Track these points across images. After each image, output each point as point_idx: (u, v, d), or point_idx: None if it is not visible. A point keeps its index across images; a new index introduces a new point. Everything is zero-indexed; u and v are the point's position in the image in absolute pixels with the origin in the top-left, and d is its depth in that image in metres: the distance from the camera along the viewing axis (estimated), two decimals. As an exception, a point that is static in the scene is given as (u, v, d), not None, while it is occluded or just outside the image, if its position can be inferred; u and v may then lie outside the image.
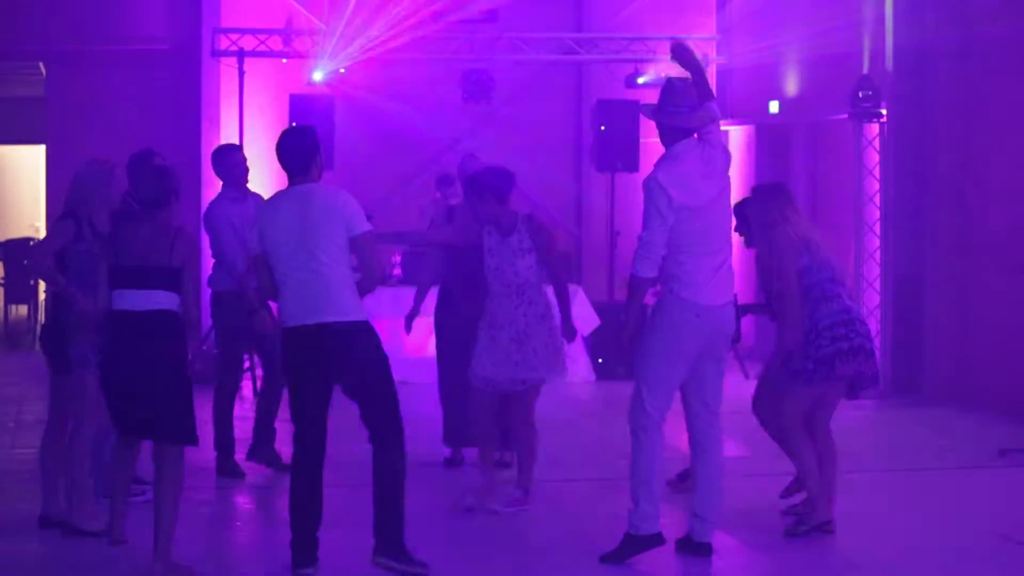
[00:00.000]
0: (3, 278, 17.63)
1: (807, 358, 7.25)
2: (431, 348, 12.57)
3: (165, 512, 6.39)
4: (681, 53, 6.82)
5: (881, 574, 6.88)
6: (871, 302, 12.58)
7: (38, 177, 16.93)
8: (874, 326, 12.06)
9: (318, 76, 14.58)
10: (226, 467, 8.78)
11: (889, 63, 12.49)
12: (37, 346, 15.80)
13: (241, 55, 14.40)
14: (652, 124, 6.95)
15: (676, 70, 7.09)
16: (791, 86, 14.63)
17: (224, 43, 14.72)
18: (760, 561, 7.07)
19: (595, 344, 13.50)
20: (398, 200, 14.94)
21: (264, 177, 12.32)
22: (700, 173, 6.69)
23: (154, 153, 8.31)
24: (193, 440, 6.48)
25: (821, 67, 13.86)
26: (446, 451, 9.20)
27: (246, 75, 14.33)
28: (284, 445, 9.02)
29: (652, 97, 7.46)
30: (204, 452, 9.53)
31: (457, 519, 7.76)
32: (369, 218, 6.67)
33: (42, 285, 16.83)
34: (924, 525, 7.68)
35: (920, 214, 12.33)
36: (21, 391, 12.59)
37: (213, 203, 8.94)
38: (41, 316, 16.60)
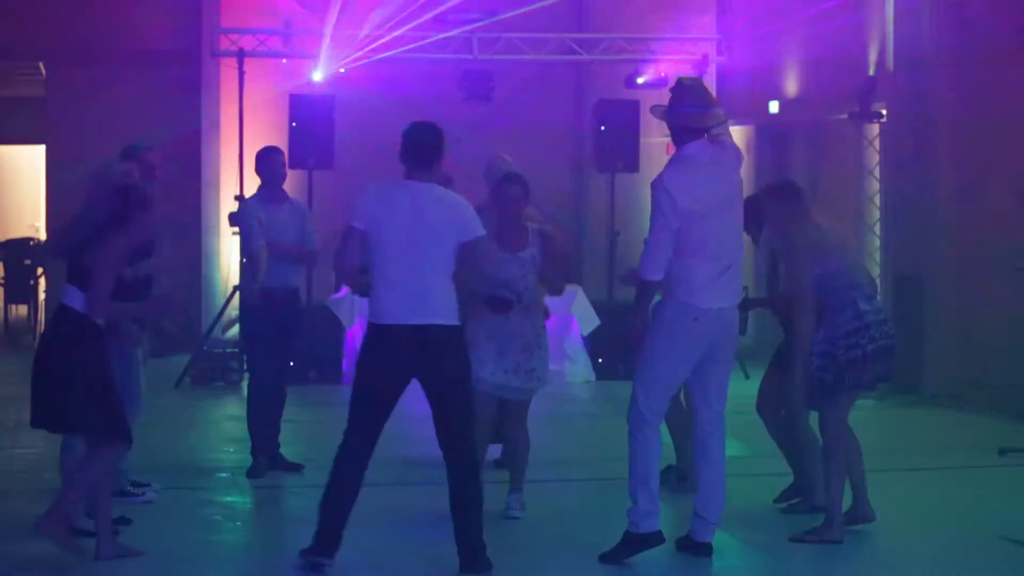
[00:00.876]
0: (3, 278, 17.63)
1: (831, 370, 7.18)
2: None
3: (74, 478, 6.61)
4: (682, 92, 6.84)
5: (881, 574, 6.87)
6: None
7: (38, 177, 16.94)
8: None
9: (318, 76, 14.58)
10: (256, 469, 8.74)
11: (890, 64, 12.49)
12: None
13: (241, 55, 14.40)
14: (653, 124, 6.96)
15: (676, 70, 7.09)
16: (791, 86, 14.63)
17: (224, 43, 14.72)
18: (760, 561, 7.07)
19: (595, 344, 13.50)
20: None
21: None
22: (708, 176, 6.68)
23: (143, 148, 8.27)
24: (97, 433, 6.57)
25: (821, 67, 13.87)
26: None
27: (246, 75, 14.33)
28: (289, 446, 9.05)
29: (652, 97, 7.47)
30: (207, 452, 9.56)
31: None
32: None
33: (42, 285, 16.86)
34: (924, 525, 7.68)
35: (920, 214, 12.33)
36: (21, 391, 12.56)
37: (246, 199, 9.08)
38: (41, 316, 16.61)
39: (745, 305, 7.06)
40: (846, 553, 7.06)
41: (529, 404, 7.83)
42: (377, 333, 6.45)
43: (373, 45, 14.44)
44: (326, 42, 14.51)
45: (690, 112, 6.73)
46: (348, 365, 13.13)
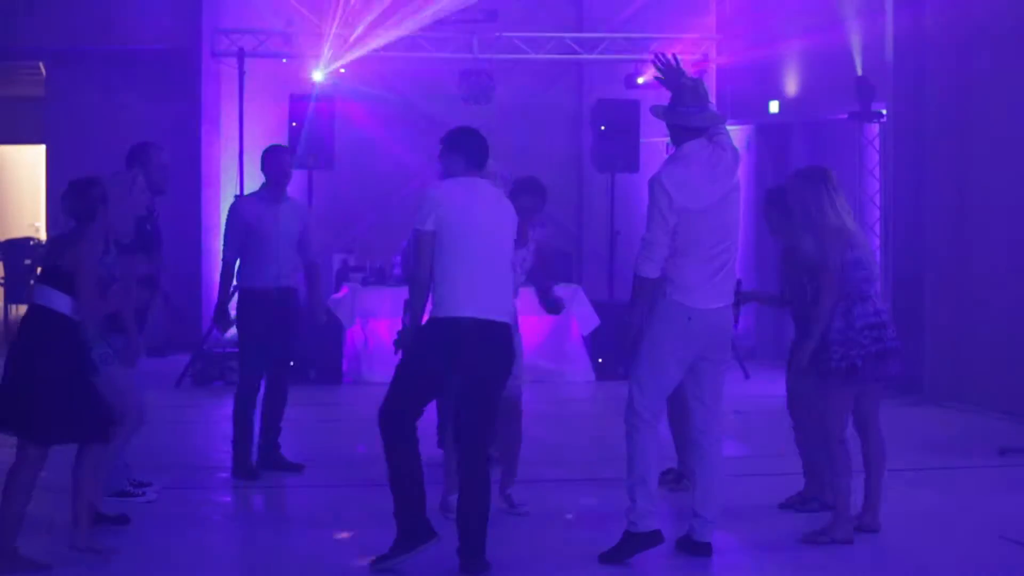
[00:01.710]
0: (3, 278, 17.64)
1: (846, 357, 7.13)
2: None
3: (81, 496, 6.57)
4: (665, 70, 6.83)
5: (881, 574, 6.88)
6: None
7: (38, 177, 16.95)
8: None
9: (318, 76, 14.59)
10: (242, 468, 8.76)
11: (889, 63, 12.49)
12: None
13: (241, 55, 14.40)
14: (652, 124, 6.98)
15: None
16: (791, 86, 14.64)
17: (224, 43, 14.73)
18: (760, 561, 7.06)
19: (595, 344, 13.50)
20: (398, 200, 14.94)
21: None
22: (705, 175, 6.69)
23: (154, 146, 8.28)
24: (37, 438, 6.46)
25: (821, 67, 13.87)
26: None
27: (246, 75, 14.33)
28: (289, 446, 9.04)
29: (652, 97, 7.47)
30: (207, 452, 9.56)
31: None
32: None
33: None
34: (924, 525, 7.68)
35: (920, 214, 12.34)
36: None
37: (240, 199, 9.08)
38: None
39: (738, 298, 7.02)
40: (846, 553, 7.06)
41: (518, 400, 7.82)
42: (441, 325, 6.40)
43: (373, 45, 14.45)
44: (326, 42, 14.51)
45: (689, 112, 6.74)
46: (348, 365, 13.13)
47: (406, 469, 6.41)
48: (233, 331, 9.21)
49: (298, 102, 14.09)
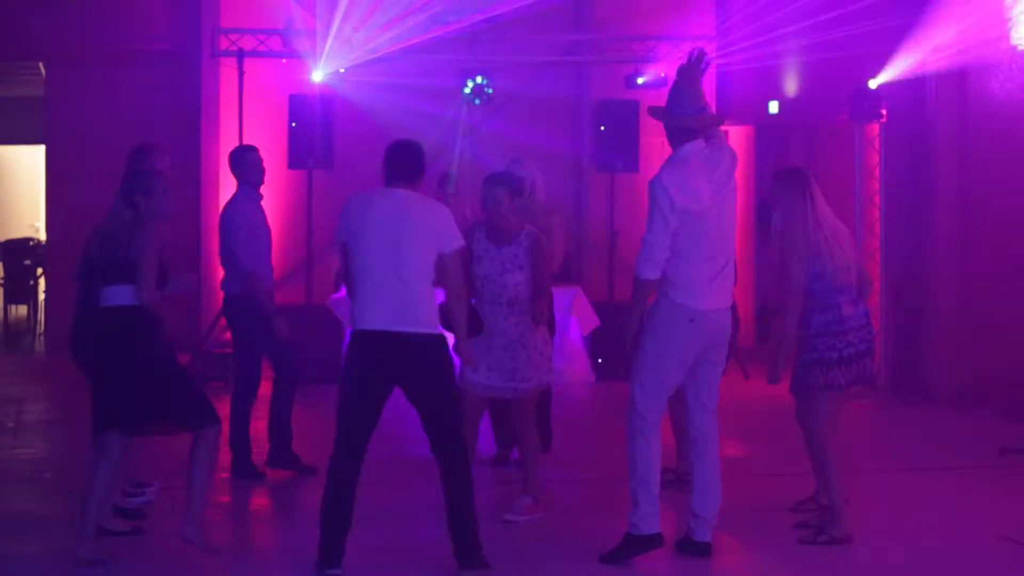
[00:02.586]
0: (3, 278, 17.63)
1: (804, 363, 7.22)
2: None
3: (195, 482, 6.61)
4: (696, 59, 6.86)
5: (881, 574, 6.88)
6: (871, 302, 12.57)
7: (38, 177, 16.95)
8: (874, 325, 12.06)
9: (318, 76, 14.59)
10: (244, 468, 8.75)
11: (889, 63, 12.50)
12: (38, 346, 15.91)
13: (241, 55, 14.40)
14: (652, 124, 6.98)
15: (676, 70, 7.11)
16: (791, 86, 14.63)
17: (224, 43, 14.72)
18: (760, 561, 7.07)
19: (595, 344, 13.50)
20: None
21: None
22: (704, 176, 6.70)
23: (154, 148, 8.27)
24: (192, 423, 6.58)
25: (821, 68, 13.87)
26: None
27: (246, 75, 14.33)
28: (300, 445, 9.04)
29: (652, 97, 7.47)
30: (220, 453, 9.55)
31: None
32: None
33: (42, 285, 16.87)
34: (924, 525, 7.68)
35: (920, 214, 12.34)
36: (21, 391, 12.60)
37: (231, 204, 8.92)
38: (41, 316, 16.61)
39: (764, 313, 7.11)
40: (845, 553, 7.07)
41: (530, 405, 7.80)
42: (359, 338, 6.48)
43: (373, 45, 14.44)
44: (326, 42, 14.51)
45: (687, 113, 6.75)
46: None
47: (341, 502, 6.46)
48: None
49: (298, 102, 14.08)
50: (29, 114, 18.27)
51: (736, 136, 15.57)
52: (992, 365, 11.51)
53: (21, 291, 17.30)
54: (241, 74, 14.29)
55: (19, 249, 17.59)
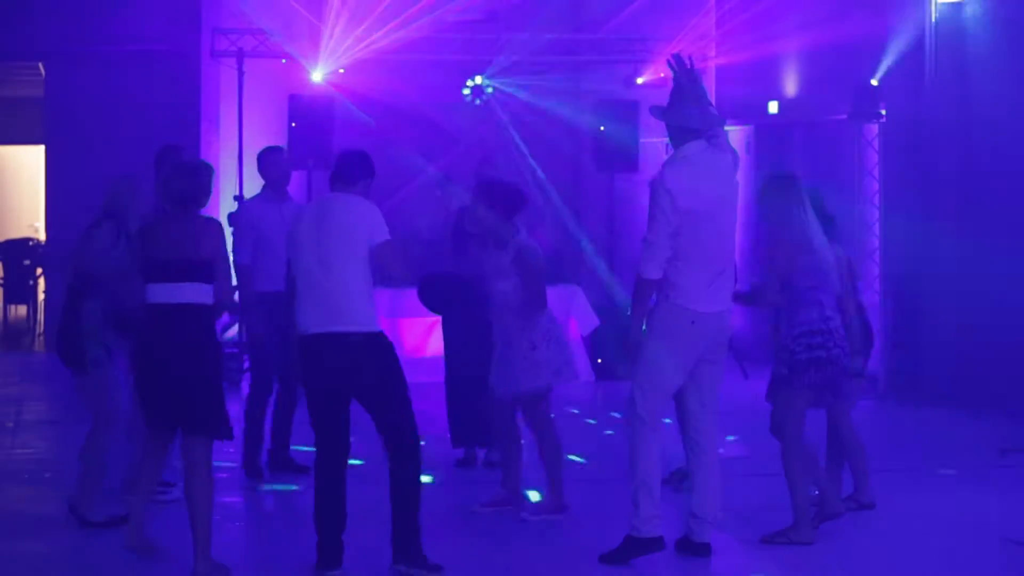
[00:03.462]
0: (3, 278, 17.64)
1: (787, 365, 7.19)
2: (431, 348, 12.54)
3: (200, 512, 6.49)
4: (679, 66, 6.82)
5: (881, 574, 6.88)
6: (871, 302, 12.58)
7: (38, 177, 16.94)
8: (874, 325, 12.06)
9: (318, 76, 14.59)
10: (252, 468, 8.76)
11: (889, 63, 12.50)
12: (38, 346, 15.91)
13: (240, 55, 14.40)
14: (652, 124, 6.98)
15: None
16: (791, 86, 14.64)
17: (223, 43, 14.72)
18: (760, 561, 7.06)
19: (595, 344, 13.50)
20: (397, 200, 14.93)
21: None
22: (707, 176, 6.69)
23: (179, 148, 8.35)
24: (225, 434, 6.55)
25: (821, 67, 13.87)
26: (458, 452, 9.21)
27: (245, 75, 14.33)
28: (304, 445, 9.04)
29: (652, 97, 7.46)
30: (221, 453, 9.55)
31: (458, 520, 7.76)
32: None
33: (41, 285, 16.87)
34: (924, 525, 7.68)
35: (920, 214, 12.34)
36: (21, 391, 12.61)
37: (245, 202, 9.04)
38: (41, 316, 16.61)
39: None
40: (845, 553, 7.07)
41: (535, 403, 7.82)
42: (302, 344, 6.53)
43: (372, 45, 14.44)
44: (326, 42, 14.50)
45: (690, 113, 6.74)
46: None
47: (331, 505, 6.49)
48: (234, 331, 9.22)
49: (298, 102, 14.08)
50: (29, 114, 18.27)
51: (736, 136, 15.56)
52: (992, 365, 11.51)
53: (21, 291, 17.30)
54: (241, 74, 14.29)
55: (19, 249, 17.59)
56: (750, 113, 15.30)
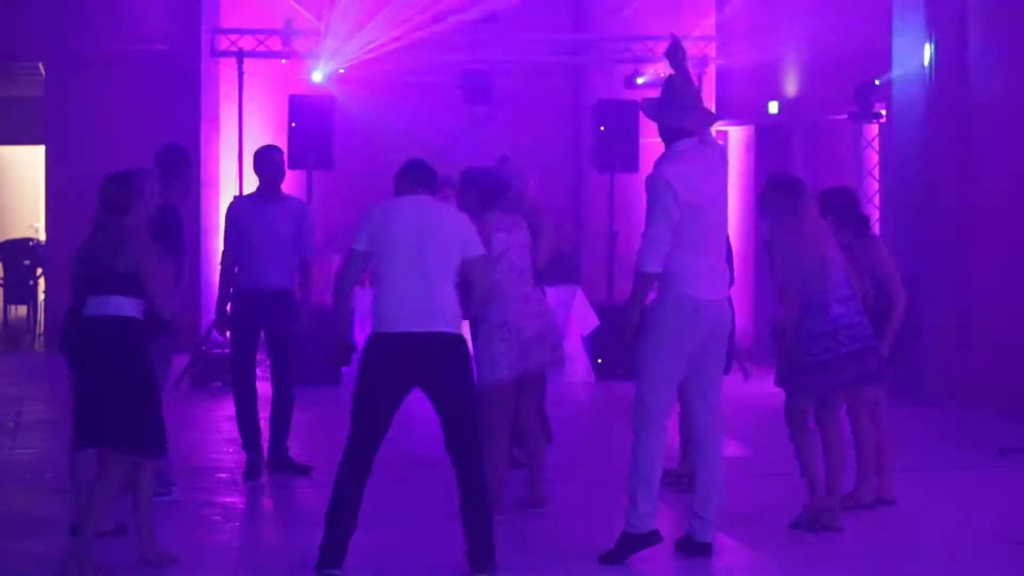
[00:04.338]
0: (3, 278, 17.64)
1: (802, 365, 7.31)
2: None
3: (141, 511, 6.51)
4: (675, 53, 6.83)
5: (881, 574, 6.88)
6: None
7: (38, 177, 16.94)
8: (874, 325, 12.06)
9: (318, 76, 14.59)
10: (252, 468, 8.76)
11: (889, 63, 12.49)
12: (38, 346, 15.91)
13: (240, 55, 14.40)
14: (652, 124, 6.98)
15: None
16: (791, 86, 14.63)
17: (223, 43, 14.72)
18: (760, 561, 7.06)
19: (595, 344, 13.49)
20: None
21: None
22: (701, 170, 6.74)
23: (182, 148, 8.36)
24: (143, 451, 6.43)
25: (821, 67, 13.87)
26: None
27: (245, 75, 14.33)
28: (292, 447, 9.03)
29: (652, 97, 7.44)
30: (207, 452, 9.56)
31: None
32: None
33: (41, 285, 16.87)
34: (924, 525, 7.68)
35: (920, 214, 12.33)
36: (21, 391, 12.60)
37: (235, 199, 9.09)
38: (41, 316, 16.61)
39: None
40: (845, 553, 7.07)
41: (534, 397, 7.88)
42: (384, 342, 6.48)
43: (373, 45, 14.44)
44: (326, 42, 14.51)
45: (684, 114, 6.75)
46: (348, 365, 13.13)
47: (349, 503, 6.45)
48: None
49: (298, 102, 14.08)
50: (29, 114, 18.26)
51: (736, 136, 15.57)
52: (992, 365, 11.51)
53: (21, 291, 17.29)
54: (241, 74, 14.29)
55: (19, 249, 17.58)
56: (750, 113, 15.30)
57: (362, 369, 6.55)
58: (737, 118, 15.37)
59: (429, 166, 6.78)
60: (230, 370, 9.03)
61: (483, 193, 7.82)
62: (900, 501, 8.06)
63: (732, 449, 9.56)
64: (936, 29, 12.14)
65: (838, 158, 13.66)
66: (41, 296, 16.87)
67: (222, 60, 14.80)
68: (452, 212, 6.77)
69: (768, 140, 15.40)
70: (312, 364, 12.80)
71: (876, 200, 12.97)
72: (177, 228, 7.88)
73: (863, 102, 12.63)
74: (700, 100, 6.90)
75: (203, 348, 13.18)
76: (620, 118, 14.54)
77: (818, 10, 13.60)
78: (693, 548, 6.88)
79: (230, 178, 14.75)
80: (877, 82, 12.53)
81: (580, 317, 13.39)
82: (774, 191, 7.48)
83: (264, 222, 8.78)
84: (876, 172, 12.98)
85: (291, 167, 14.08)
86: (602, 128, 14.67)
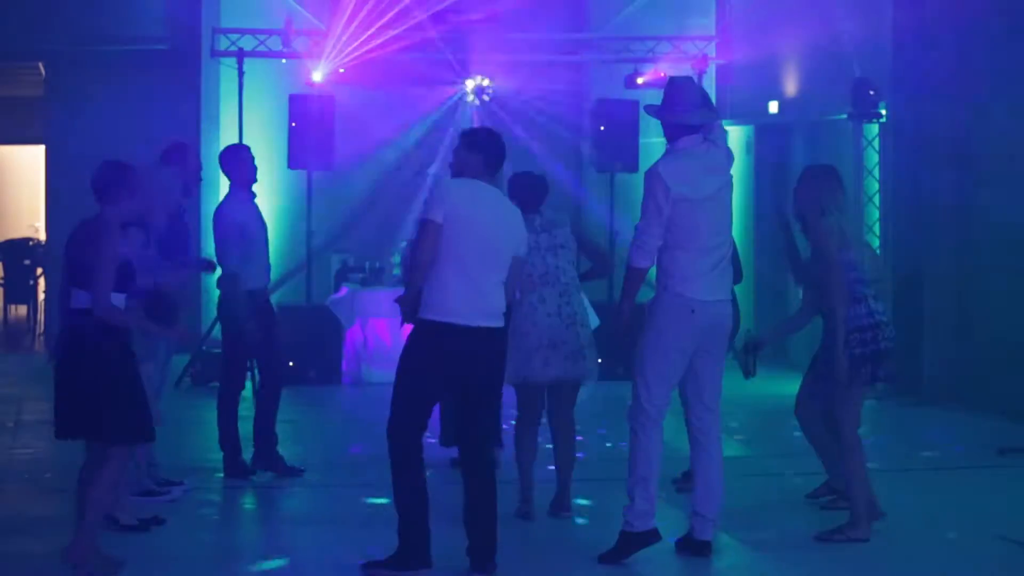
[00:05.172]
0: (3, 278, 17.64)
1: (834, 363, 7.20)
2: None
3: (90, 503, 6.36)
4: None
5: (881, 574, 6.87)
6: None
7: (38, 177, 16.95)
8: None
9: (318, 76, 14.58)
10: (234, 467, 8.75)
11: (889, 63, 12.49)
12: (38, 346, 15.90)
13: (240, 55, 14.39)
14: (652, 124, 6.99)
15: (675, 70, 7.11)
16: (791, 86, 14.63)
17: (224, 43, 14.72)
18: (761, 561, 7.06)
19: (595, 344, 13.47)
20: (397, 201, 14.93)
21: (263, 177, 12.33)
22: (701, 168, 6.74)
23: (185, 146, 8.39)
24: (101, 437, 6.37)
25: (821, 67, 13.86)
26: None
27: (246, 75, 14.32)
28: (289, 447, 9.03)
29: (652, 98, 7.46)
30: (206, 452, 9.56)
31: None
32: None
33: (42, 285, 16.87)
34: (924, 525, 7.68)
35: (920, 214, 12.33)
36: (21, 391, 12.59)
37: (224, 205, 8.87)
38: (41, 316, 16.61)
39: (752, 346, 7.20)
40: (845, 553, 7.06)
41: (556, 404, 7.93)
42: (442, 331, 6.35)
43: (373, 45, 14.43)
44: (326, 42, 14.50)
45: (684, 110, 6.76)
46: (347, 365, 13.13)
47: (413, 486, 6.41)
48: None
49: (298, 102, 14.07)
50: (29, 114, 18.26)
51: (736, 136, 15.56)
52: (992, 365, 11.51)
53: (21, 291, 17.29)
54: (241, 74, 14.28)
55: (19, 249, 17.59)
56: (750, 113, 15.29)
57: (414, 360, 6.41)
58: (737, 118, 15.36)
59: (502, 146, 6.64)
60: (227, 368, 8.99)
61: (529, 195, 7.79)
62: (899, 501, 8.06)
63: (732, 449, 9.57)
64: (936, 29, 12.15)
65: (838, 158, 13.63)
66: (41, 296, 16.87)
67: (222, 60, 14.79)
68: (515, 209, 6.68)
69: (768, 140, 15.39)
70: (311, 365, 12.83)
71: (876, 200, 12.96)
72: (185, 233, 7.93)
73: (863, 102, 12.63)
74: (704, 99, 6.89)
75: (203, 347, 13.17)
76: (620, 118, 14.52)
77: (818, 10, 13.59)
78: (693, 547, 6.87)
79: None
80: (875, 83, 12.53)
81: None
82: (826, 177, 7.41)
83: (260, 222, 8.81)
84: (876, 172, 12.97)
85: (291, 167, 14.14)
86: (602, 128, 14.66)
